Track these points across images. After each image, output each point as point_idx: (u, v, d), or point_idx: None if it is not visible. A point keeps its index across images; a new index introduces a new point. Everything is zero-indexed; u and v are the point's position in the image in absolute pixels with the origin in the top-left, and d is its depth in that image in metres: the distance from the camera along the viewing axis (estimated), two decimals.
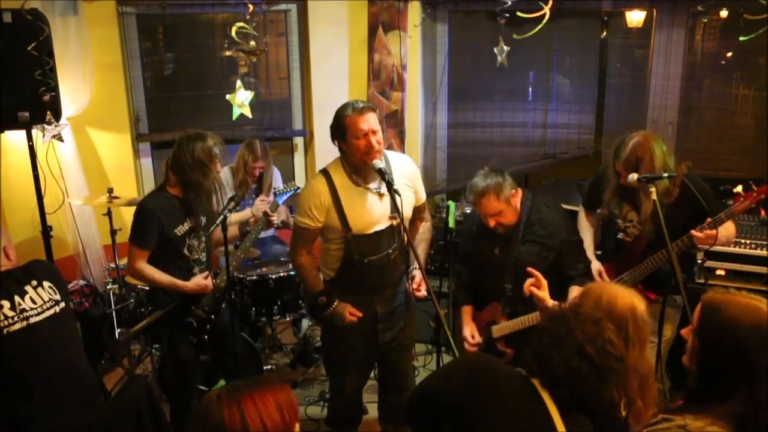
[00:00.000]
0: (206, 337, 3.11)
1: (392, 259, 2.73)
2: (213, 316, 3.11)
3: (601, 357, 1.49)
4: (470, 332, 2.92)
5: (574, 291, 2.64)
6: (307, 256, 2.78)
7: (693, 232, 2.69)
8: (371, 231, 2.67)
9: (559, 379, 1.51)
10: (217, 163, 2.95)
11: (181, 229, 2.98)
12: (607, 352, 1.50)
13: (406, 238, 2.77)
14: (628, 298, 1.81)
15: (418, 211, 2.90)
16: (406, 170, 2.75)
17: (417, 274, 2.77)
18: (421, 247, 2.90)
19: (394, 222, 2.69)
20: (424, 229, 2.96)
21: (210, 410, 1.34)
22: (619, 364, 1.52)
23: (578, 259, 2.83)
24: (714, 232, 2.66)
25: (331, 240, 2.72)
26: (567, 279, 2.74)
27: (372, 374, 3.35)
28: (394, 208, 2.65)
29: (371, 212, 2.66)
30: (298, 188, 3.71)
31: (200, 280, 3.04)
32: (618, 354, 1.52)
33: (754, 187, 2.67)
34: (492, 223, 2.73)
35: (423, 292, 2.75)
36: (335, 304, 2.73)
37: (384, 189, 2.65)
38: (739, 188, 2.76)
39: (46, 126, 3.57)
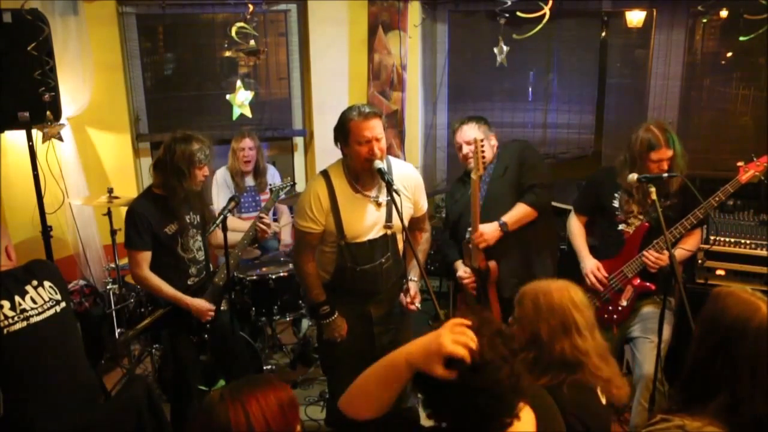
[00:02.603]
0: (207, 336, 3.12)
1: (385, 268, 2.72)
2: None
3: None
4: (462, 270, 3.08)
5: (518, 207, 2.92)
6: (313, 263, 2.74)
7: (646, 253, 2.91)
8: (365, 239, 2.65)
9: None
10: (200, 168, 2.91)
11: (171, 228, 2.97)
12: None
13: (401, 245, 2.81)
14: (561, 289, 1.87)
15: (418, 221, 2.87)
16: (406, 179, 2.72)
17: (412, 286, 2.78)
18: (416, 259, 2.89)
19: (389, 231, 2.68)
20: (423, 239, 2.94)
21: (214, 411, 1.34)
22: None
23: (534, 173, 2.97)
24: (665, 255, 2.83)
25: (327, 243, 2.72)
26: (523, 192, 2.97)
27: None
28: (389, 218, 2.66)
29: (367, 221, 2.65)
30: (294, 183, 3.69)
31: (204, 305, 3.02)
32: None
33: (755, 158, 2.79)
34: (465, 158, 2.92)
35: (416, 305, 2.77)
36: (335, 316, 2.75)
37: (382, 198, 2.65)
38: (741, 163, 2.85)
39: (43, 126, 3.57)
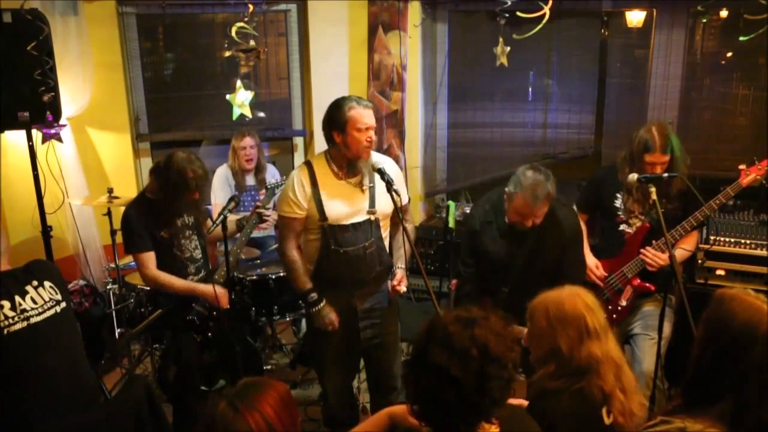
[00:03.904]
0: (210, 334, 3.12)
1: (368, 252, 2.74)
2: (214, 313, 3.12)
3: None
4: None
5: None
6: (297, 250, 2.79)
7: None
8: (347, 222, 2.69)
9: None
10: (191, 192, 2.96)
11: (165, 232, 3.00)
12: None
13: (386, 234, 2.83)
14: (572, 296, 1.87)
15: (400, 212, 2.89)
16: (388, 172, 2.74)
17: (399, 272, 2.83)
18: (403, 249, 2.91)
19: (372, 217, 2.73)
20: (407, 230, 2.95)
21: (232, 425, 1.37)
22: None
23: (579, 270, 2.87)
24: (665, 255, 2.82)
25: (310, 230, 2.75)
26: (562, 277, 2.71)
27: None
28: (372, 203, 2.71)
29: (348, 203, 2.69)
30: None
31: (219, 289, 3.02)
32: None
33: (756, 161, 2.82)
34: (529, 223, 2.70)
35: (403, 288, 2.79)
36: (322, 303, 2.75)
37: (366, 184, 2.71)
38: (743, 166, 2.87)
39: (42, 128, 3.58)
